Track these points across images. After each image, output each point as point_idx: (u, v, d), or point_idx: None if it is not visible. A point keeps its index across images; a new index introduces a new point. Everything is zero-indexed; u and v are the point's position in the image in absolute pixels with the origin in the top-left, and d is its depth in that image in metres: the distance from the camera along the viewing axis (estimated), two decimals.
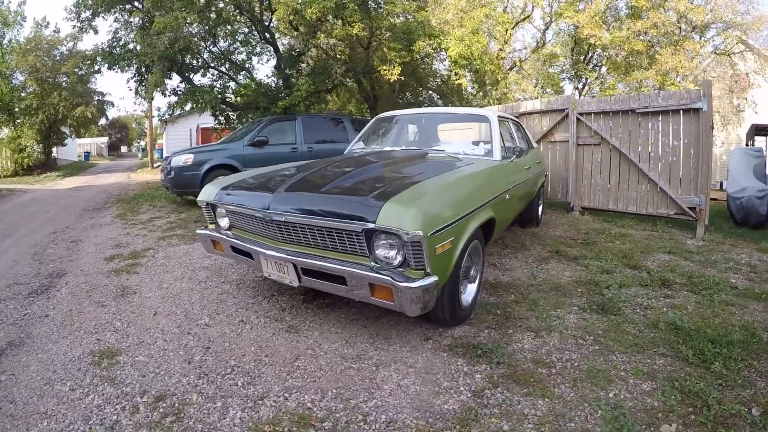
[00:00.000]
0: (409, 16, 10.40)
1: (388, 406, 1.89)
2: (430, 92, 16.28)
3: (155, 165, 19.03)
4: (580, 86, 17.58)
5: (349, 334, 2.55)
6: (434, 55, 10.32)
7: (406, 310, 2.04)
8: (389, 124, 4.51)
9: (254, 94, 10.39)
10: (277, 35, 11.88)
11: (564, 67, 18.64)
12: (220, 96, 10.84)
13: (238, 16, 10.51)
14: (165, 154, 24.94)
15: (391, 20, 10.57)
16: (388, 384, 2.05)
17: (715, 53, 10.85)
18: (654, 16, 10.17)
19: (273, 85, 11.63)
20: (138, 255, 4.38)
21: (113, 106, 23.80)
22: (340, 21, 8.75)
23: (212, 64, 11.39)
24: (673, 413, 1.79)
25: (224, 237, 2.81)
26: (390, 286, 1.99)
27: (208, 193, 2.94)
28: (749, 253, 4.33)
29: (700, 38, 11.26)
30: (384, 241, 2.07)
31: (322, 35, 9.07)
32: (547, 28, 18.06)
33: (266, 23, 10.75)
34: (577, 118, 6.47)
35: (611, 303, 2.81)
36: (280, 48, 11.91)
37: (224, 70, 11.71)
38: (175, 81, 10.65)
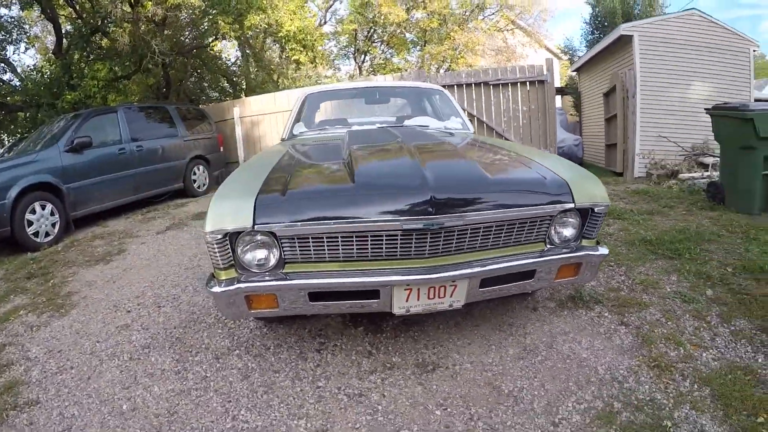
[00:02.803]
0: None
1: (618, 364, 2.21)
2: (218, 76, 15.61)
3: None
4: (360, 63, 19.72)
5: (490, 342, 2.51)
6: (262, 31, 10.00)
7: (588, 278, 2.38)
8: (331, 102, 4.46)
9: (35, 88, 8.21)
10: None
11: (343, 45, 20.40)
12: None
13: None
14: None
15: None
16: (593, 356, 2.31)
17: (496, 30, 14.01)
18: None
19: (50, 74, 9.26)
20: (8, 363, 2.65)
21: None
22: None
23: None
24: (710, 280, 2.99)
25: (286, 285, 1.96)
26: (585, 261, 2.20)
27: (235, 211, 1.91)
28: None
29: (478, 17, 14.28)
30: (564, 219, 2.16)
31: (150, 3, 7.78)
32: (329, 7, 19.44)
33: None
34: None
35: None
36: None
37: None
38: None
